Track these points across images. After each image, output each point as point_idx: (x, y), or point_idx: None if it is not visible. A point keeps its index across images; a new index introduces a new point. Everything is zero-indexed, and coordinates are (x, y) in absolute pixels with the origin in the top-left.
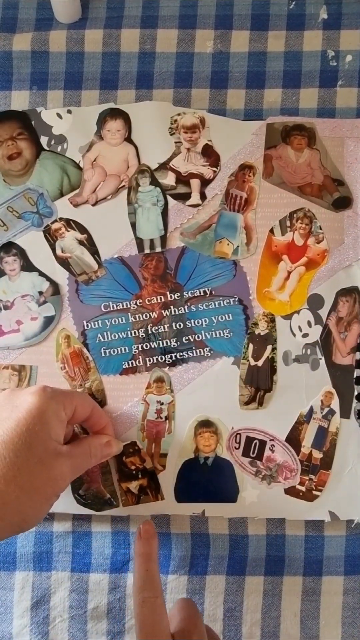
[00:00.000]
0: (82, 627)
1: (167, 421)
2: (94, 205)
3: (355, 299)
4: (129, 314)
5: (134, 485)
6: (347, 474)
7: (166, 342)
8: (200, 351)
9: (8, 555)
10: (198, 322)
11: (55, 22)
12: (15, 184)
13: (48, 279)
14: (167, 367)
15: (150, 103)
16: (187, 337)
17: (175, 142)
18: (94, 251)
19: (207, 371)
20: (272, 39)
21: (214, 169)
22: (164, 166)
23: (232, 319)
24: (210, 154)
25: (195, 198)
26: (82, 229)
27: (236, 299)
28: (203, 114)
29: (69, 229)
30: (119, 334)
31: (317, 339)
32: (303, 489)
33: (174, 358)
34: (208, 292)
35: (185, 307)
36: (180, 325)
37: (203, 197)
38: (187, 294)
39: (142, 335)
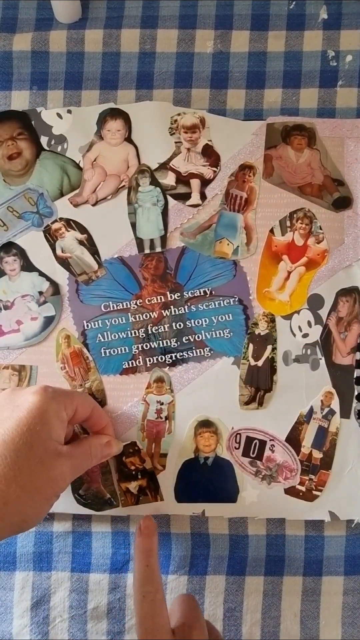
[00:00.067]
0: (82, 627)
1: (167, 421)
2: (94, 205)
3: (355, 299)
4: (129, 314)
5: (133, 486)
6: (347, 474)
7: (166, 342)
8: (200, 351)
9: (8, 555)
10: (198, 322)
11: (55, 22)
12: (15, 184)
13: (48, 279)
14: (167, 367)
15: (150, 103)
16: (187, 337)
17: (176, 142)
18: (94, 251)
19: (207, 371)
20: (272, 39)
21: (214, 169)
22: (164, 166)
23: (232, 319)
24: (210, 154)
25: (195, 198)
26: (82, 229)
27: (236, 299)
28: (203, 114)
29: (69, 229)
30: (119, 334)
31: (317, 339)
32: (303, 489)
33: (174, 358)
34: (208, 292)
35: (185, 307)
36: (180, 325)
37: (203, 197)
38: (187, 294)
39: (142, 335)
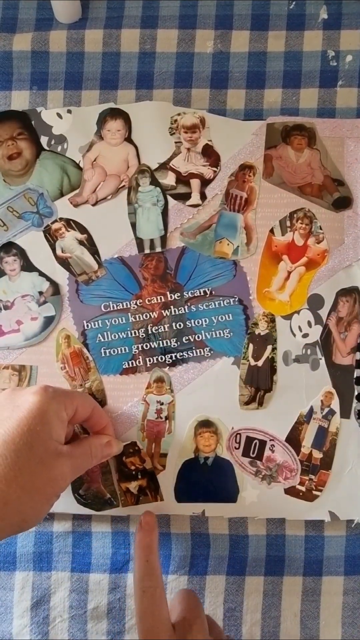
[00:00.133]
0: (82, 627)
1: (167, 421)
2: (94, 205)
3: (355, 299)
4: (129, 314)
5: (133, 486)
6: (347, 474)
7: (166, 342)
8: (200, 351)
9: (8, 555)
10: (198, 322)
11: (55, 22)
12: (15, 184)
13: (48, 279)
14: (167, 367)
15: (150, 103)
16: (187, 337)
17: (176, 142)
18: (94, 251)
19: (207, 371)
20: (272, 39)
21: (214, 169)
22: (164, 166)
23: (232, 319)
24: (210, 154)
25: (195, 198)
26: (82, 229)
27: (236, 299)
28: (203, 114)
29: (69, 229)
30: (119, 334)
31: (317, 339)
32: (303, 489)
33: (174, 358)
34: (208, 292)
35: (185, 307)
36: (180, 325)
37: (203, 197)
38: (187, 294)
39: (142, 335)
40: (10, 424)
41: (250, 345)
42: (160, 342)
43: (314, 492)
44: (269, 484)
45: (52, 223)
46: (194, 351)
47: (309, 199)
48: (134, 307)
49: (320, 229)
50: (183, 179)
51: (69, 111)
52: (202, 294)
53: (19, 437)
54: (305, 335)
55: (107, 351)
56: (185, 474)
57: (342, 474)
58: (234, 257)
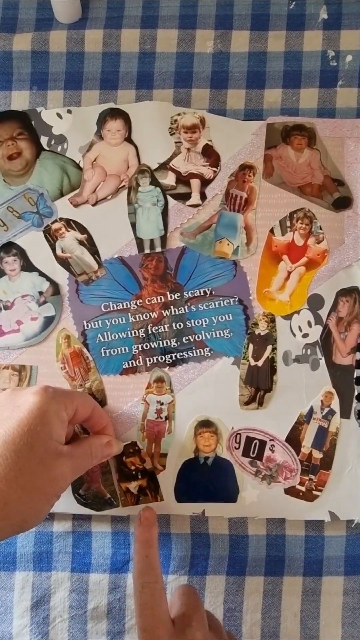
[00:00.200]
0: (82, 627)
1: (167, 421)
2: (94, 205)
3: (355, 299)
4: (129, 314)
5: (133, 486)
6: (347, 474)
7: (166, 342)
8: (200, 351)
9: (8, 555)
10: (198, 322)
11: (55, 22)
12: (15, 184)
13: (48, 279)
14: (167, 367)
15: (150, 103)
16: (187, 337)
17: (176, 142)
18: (94, 251)
19: (207, 371)
20: (272, 39)
21: (214, 169)
22: (164, 166)
23: (232, 319)
24: (210, 154)
25: (195, 198)
26: (82, 229)
27: (236, 299)
28: (203, 114)
29: (69, 229)
30: (119, 334)
31: (317, 339)
32: (303, 489)
33: (174, 358)
34: (208, 292)
35: (185, 307)
36: (180, 325)
37: (203, 197)
38: (187, 294)
39: (142, 335)
40: (11, 424)
41: (250, 345)
42: (160, 342)
43: (314, 492)
44: (269, 484)
45: (52, 223)
46: (194, 351)
47: (309, 199)
48: (134, 307)
49: (320, 229)
50: (183, 179)
51: (69, 111)
52: (202, 294)
53: (19, 437)
54: (305, 335)
55: (107, 351)
56: (185, 474)
57: (342, 474)
58: (234, 257)
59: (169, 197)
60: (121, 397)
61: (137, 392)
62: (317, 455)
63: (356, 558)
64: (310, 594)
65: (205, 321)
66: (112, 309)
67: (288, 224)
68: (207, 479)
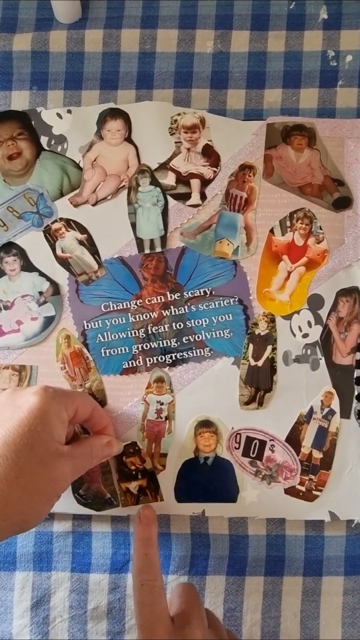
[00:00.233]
0: (82, 627)
1: (167, 421)
2: (94, 205)
3: (355, 299)
4: (129, 314)
5: (133, 486)
6: (347, 474)
7: (166, 342)
8: (200, 351)
9: (8, 555)
10: (198, 322)
11: (55, 22)
12: (16, 184)
13: (48, 279)
14: (167, 367)
15: (150, 103)
16: (187, 337)
17: (176, 142)
18: (94, 251)
19: (207, 371)
20: (272, 39)
21: (214, 169)
22: (164, 166)
23: (232, 319)
24: (210, 154)
25: (195, 198)
26: (82, 229)
27: (236, 299)
28: (203, 114)
29: (69, 229)
30: (119, 334)
31: (317, 339)
32: (303, 489)
33: (174, 358)
34: (208, 292)
35: (185, 307)
36: (180, 326)
37: (203, 197)
38: (187, 294)
39: (142, 336)
40: (11, 425)
41: (250, 345)
42: (160, 342)
43: (314, 492)
44: (269, 484)
45: (52, 223)
46: (194, 351)
47: (309, 199)
48: (134, 307)
49: (320, 229)
50: (183, 179)
51: (69, 111)
52: (202, 294)
53: (19, 437)
54: (305, 335)
55: (107, 351)
56: (185, 474)
57: (342, 474)
58: (234, 257)
59: (169, 197)
60: (121, 397)
61: (137, 392)
62: (317, 455)
63: (356, 558)
64: (310, 594)
65: (205, 321)
66: (112, 309)
67: (288, 224)
68: (207, 479)
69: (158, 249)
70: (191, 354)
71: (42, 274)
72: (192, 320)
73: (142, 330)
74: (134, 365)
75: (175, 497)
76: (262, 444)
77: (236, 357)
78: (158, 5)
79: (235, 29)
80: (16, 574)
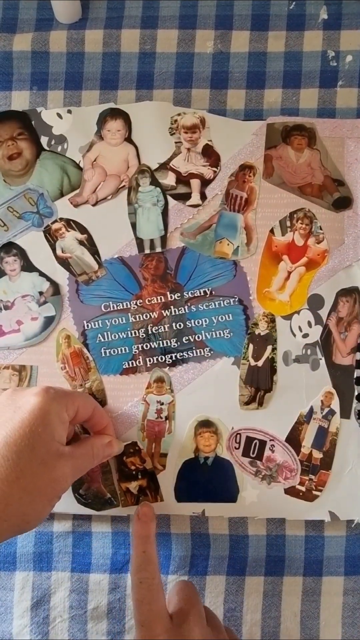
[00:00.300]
0: (82, 627)
1: (167, 421)
2: (94, 205)
3: (355, 299)
4: (129, 314)
5: (133, 486)
6: (347, 474)
7: (166, 342)
8: (200, 351)
9: (8, 556)
10: (198, 322)
11: (55, 23)
12: (16, 184)
13: (48, 279)
14: (167, 367)
15: (150, 103)
16: (187, 337)
17: (176, 142)
18: (94, 251)
19: (207, 371)
20: (272, 39)
21: (214, 169)
22: (164, 166)
23: (232, 319)
24: (210, 154)
25: (195, 198)
26: (82, 229)
27: (236, 299)
28: (203, 114)
29: (69, 229)
30: (119, 334)
31: (317, 339)
32: (303, 489)
33: (174, 358)
34: (208, 292)
35: (186, 307)
36: (180, 326)
37: (203, 197)
38: (187, 294)
39: (142, 336)
40: (12, 426)
41: (250, 346)
42: (161, 342)
43: (314, 492)
44: (269, 484)
45: (52, 223)
46: (194, 351)
47: (309, 199)
48: (134, 307)
49: (321, 229)
50: (183, 179)
51: (69, 111)
52: (202, 294)
53: (20, 438)
54: (305, 336)
55: (107, 351)
56: (185, 474)
57: (342, 474)
58: (234, 257)
59: (169, 197)
60: (121, 397)
61: (137, 392)
62: (317, 455)
63: (356, 558)
64: (310, 594)
65: (205, 321)
66: (112, 309)
67: (288, 224)
68: (207, 479)
69: (158, 249)
70: (191, 354)
71: (42, 274)
72: (192, 320)
73: (142, 330)
74: (134, 365)
75: (175, 497)
76: (262, 444)
77: (236, 357)
78: (158, 5)
79: (235, 29)
80: (16, 574)
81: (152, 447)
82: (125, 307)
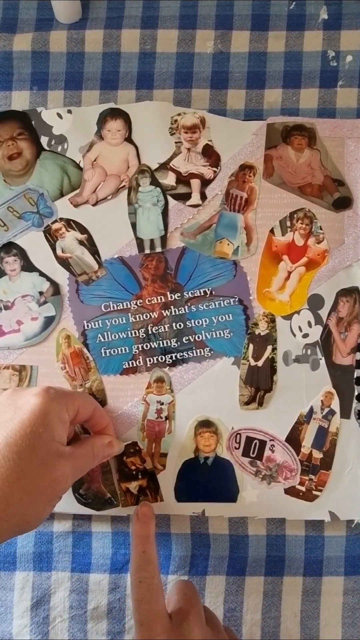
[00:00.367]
0: (82, 627)
1: (167, 421)
2: (94, 205)
3: (355, 299)
4: (129, 314)
5: (133, 486)
6: (347, 474)
7: (166, 342)
8: (200, 351)
9: (8, 555)
10: (198, 322)
11: (55, 23)
12: (16, 184)
13: (48, 279)
14: (167, 367)
15: (150, 103)
16: (187, 337)
17: (176, 142)
18: (94, 251)
19: (207, 371)
20: (272, 39)
21: (214, 169)
22: (164, 166)
23: (232, 319)
24: (210, 154)
25: (195, 198)
26: (82, 229)
27: (236, 299)
28: (203, 114)
29: (69, 229)
30: (119, 334)
31: (318, 339)
32: (303, 489)
33: (174, 358)
34: (208, 292)
35: (186, 307)
36: (180, 326)
37: (203, 197)
38: (187, 294)
39: (143, 336)
40: (13, 426)
41: (251, 346)
42: (161, 342)
43: (314, 492)
44: (269, 484)
45: (52, 223)
46: (194, 351)
47: (309, 199)
48: (134, 307)
49: (321, 229)
50: (183, 179)
51: (69, 111)
52: (202, 294)
53: (21, 439)
54: (305, 336)
55: (107, 351)
56: (185, 473)
57: (342, 474)
58: (234, 257)
59: (169, 197)
60: (121, 397)
61: (137, 392)
62: (317, 455)
63: (356, 558)
64: (310, 594)
65: (206, 321)
66: (112, 309)
67: (288, 224)
68: (207, 479)
69: (158, 249)
70: (191, 354)
71: (42, 274)
72: (192, 320)
73: (142, 330)
74: (134, 365)
75: (175, 497)
76: (262, 444)
77: (236, 357)
78: (158, 5)
79: (236, 29)
80: (16, 574)
81: (152, 447)
82: (125, 307)
